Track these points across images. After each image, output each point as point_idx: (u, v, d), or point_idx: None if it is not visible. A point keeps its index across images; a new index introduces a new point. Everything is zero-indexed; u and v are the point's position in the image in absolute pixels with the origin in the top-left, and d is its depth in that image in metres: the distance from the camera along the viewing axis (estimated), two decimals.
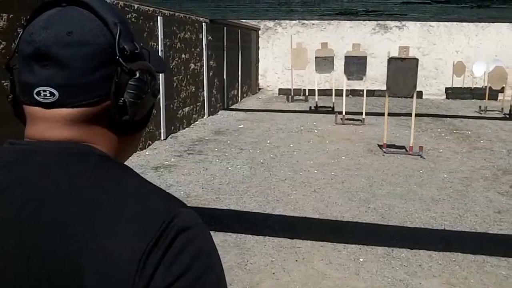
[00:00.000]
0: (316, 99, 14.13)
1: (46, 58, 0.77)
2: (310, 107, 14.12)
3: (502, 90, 14.10)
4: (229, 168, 7.25)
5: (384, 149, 8.45)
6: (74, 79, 0.78)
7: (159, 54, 8.79)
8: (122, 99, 0.81)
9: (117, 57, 0.80)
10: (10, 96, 0.86)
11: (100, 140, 0.83)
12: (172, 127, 9.76)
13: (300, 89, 17.08)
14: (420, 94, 16.42)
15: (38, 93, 0.78)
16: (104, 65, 0.80)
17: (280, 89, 18.38)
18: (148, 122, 0.94)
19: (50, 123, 0.79)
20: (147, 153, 8.13)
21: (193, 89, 11.01)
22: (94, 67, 0.79)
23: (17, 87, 0.83)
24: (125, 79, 0.81)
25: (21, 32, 0.82)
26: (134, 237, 0.72)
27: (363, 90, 11.86)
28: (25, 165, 0.78)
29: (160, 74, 9.41)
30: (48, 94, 0.77)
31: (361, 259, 4.29)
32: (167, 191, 0.82)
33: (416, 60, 8.37)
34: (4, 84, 4.89)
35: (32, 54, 0.78)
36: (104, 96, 0.80)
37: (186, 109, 10.59)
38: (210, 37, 12.02)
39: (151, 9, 8.61)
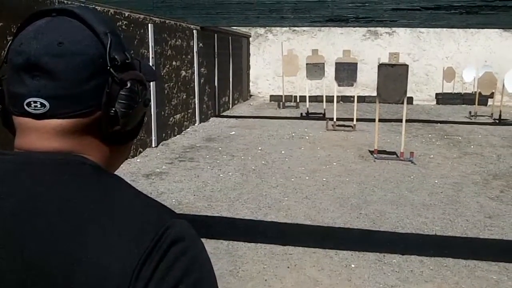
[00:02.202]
0: (307, 106, 14.17)
1: (36, 68, 0.76)
2: (301, 113, 14.15)
3: (491, 95, 14.21)
4: (221, 175, 7.24)
5: (375, 155, 8.47)
6: (65, 90, 0.77)
7: (150, 63, 8.79)
8: (114, 109, 0.81)
9: (108, 67, 0.80)
10: None
11: (91, 150, 0.82)
12: (163, 134, 9.75)
13: (291, 95, 17.14)
14: (410, 100, 16.51)
15: (29, 104, 0.77)
16: (95, 76, 0.79)
17: (271, 96, 18.41)
18: (139, 132, 0.94)
19: (41, 134, 0.78)
20: (138, 160, 8.11)
21: (184, 96, 11.00)
22: (85, 78, 0.78)
23: (6, 97, 0.82)
24: (116, 90, 0.81)
25: (10, 42, 0.82)
26: (126, 249, 0.71)
27: (354, 96, 11.89)
28: (15, 177, 0.77)
29: (151, 82, 9.32)
30: (39, 105, 0.77)
31: (352, 265, 4.29)
32: (159, 198, 0.82)
33: (406, 66, 8.42)
34: None
35: (22, 64, 0.77)
36: (95, 106, 0.80)
37: (177, 116, 10.58)
38: (201, 44, 12.04)
39: (142, 16, 8.61)
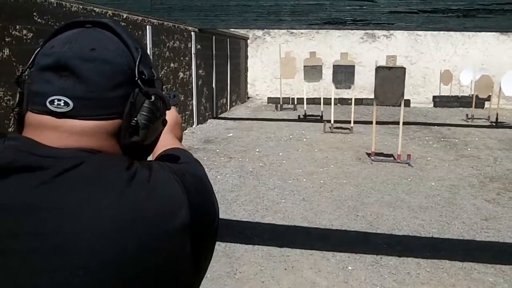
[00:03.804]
0: (305, 108, 14.18)
1: (65, 69, 0.78)
2: (299, 115, 14.16)
3: (488, 98, 14.26)
4: (218, 177, 7.24)
5: (372, 157, 8.49)
6: (91, 93, 0.79)
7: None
8: (135, 119, 0.83)
9: (136, 78, 0.83)
10: (16, 109, 0.86)
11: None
12: None
13: (289, 97, 17.15)
14: (407, 103, 16.54)
15: (52, 102, 0.78)
16: (122, 85, 0.82)
17: (269, 98, 18.42)
18: (151, 152, 0.96)
19: (60, 132, 0.79)
20: None
21: (182, 98, 11.00)
22: (112, 85, 0.81)
23: (25, 99, 0.84)
24: (140, 101, 0.84)
25: (38, 48, 0.84)
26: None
27: (351, 98, 11.92)
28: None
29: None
30: (62, 104, 0.78)
31: (349, 267, 4.30)
32: None
33: (404, 69, 8.44)
34: None
35: (51, 64, 0.79)
36: (117, 114, 0.82)
37: None
38: (199, 46, 12.05)
39: (140, 18, 8.62)
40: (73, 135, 0.79)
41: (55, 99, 0.78)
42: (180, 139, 1.30)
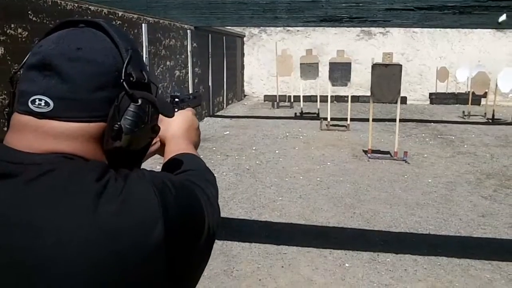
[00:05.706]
0: (301, 106, 14.18)
1: (48, 68, 0.76)
2: (296, 113, 14.16)
3: (485, 95, 14.26)
4: (215, 175, 7.20)
5: (369, 155, 8.49)
6: (73, 94, 0.76)
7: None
8: (118, 123, 0.79)
9: (122, 80, 0.79)
10: (7, 110, 0.84)
11: (90, 158, 0.79)
12: None
13: (286, 95, 17.15)
14: (404, 100, 16.54)
15: (33, 102, 0.76)
16: (107, 87, 0.79)
17: (265, 96, 18.42)
18: (141, 160, 0.91)
19: (39, 133, 0.76)
20: None
21: None
22: (96, 86, 0.77)
23: (15, 100, 0.81)
24: (125, 105, 0.80)
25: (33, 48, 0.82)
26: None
27: (348, 96, 11.92)
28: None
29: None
30: (43, 104, 0.75)
31: (347, 265, 4.30)
32: None
33: (400, 66, 8.44)
34: None
35: (36, 63, 0.77)
36: (100, 118, 0.78)
37: None
38: (195, 44, 12.02)
39: (135, 16, 8.59)
40: (51, 137, 0.76)
41: (36, 98, 0.75)
42: (196, 145, 1.21)
